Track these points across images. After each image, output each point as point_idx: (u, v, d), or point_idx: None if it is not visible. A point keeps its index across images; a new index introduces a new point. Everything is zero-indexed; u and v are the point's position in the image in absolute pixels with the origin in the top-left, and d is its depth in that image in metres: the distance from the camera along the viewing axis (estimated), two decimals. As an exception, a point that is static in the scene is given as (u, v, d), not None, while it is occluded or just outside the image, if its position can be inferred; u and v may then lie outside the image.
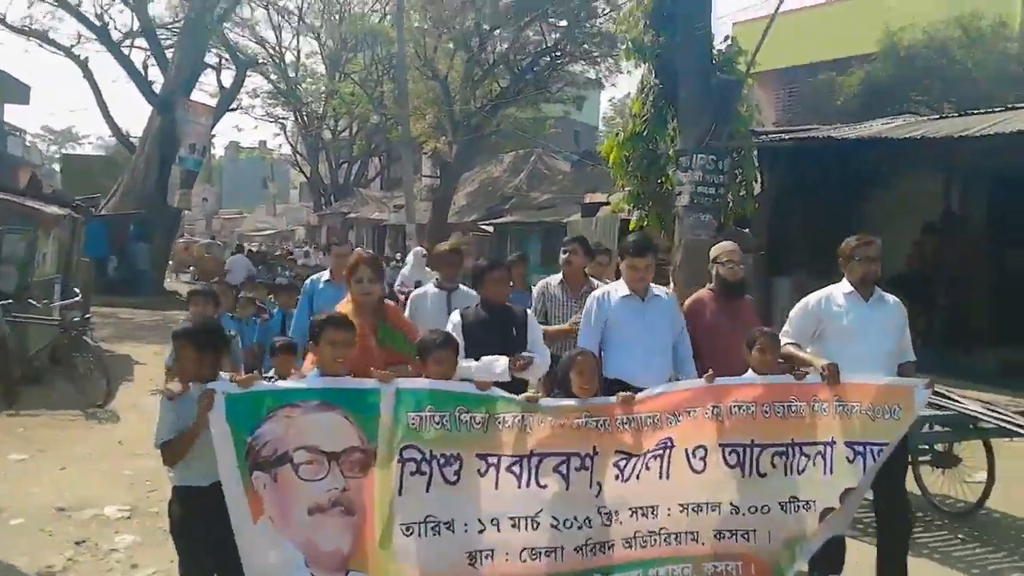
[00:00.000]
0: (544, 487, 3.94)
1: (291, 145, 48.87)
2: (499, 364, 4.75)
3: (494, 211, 28.45)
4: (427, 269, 12.73)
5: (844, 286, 4.96)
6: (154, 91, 25.85)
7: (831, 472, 4.23)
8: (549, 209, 25.20)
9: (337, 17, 39.81)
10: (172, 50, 27.13)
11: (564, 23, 29.29)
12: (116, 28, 27.70)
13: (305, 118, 43.51)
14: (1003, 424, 5.88)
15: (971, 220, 12.55)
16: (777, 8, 11.36)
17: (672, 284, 11.48)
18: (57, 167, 57.62)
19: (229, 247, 30.84)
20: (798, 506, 4.22)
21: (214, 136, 32.34)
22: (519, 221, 24.89)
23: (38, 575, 5.23)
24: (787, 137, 12.98)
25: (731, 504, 4.15)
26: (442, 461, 3.86)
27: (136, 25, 27.39)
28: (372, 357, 4.44)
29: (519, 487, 3.92)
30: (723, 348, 5.13)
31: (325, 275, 7.37)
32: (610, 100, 58.46)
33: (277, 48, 41.30)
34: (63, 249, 12.75)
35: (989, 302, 12.05)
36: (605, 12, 28.94)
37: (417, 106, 29.75)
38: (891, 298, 4.99)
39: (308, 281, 7.46)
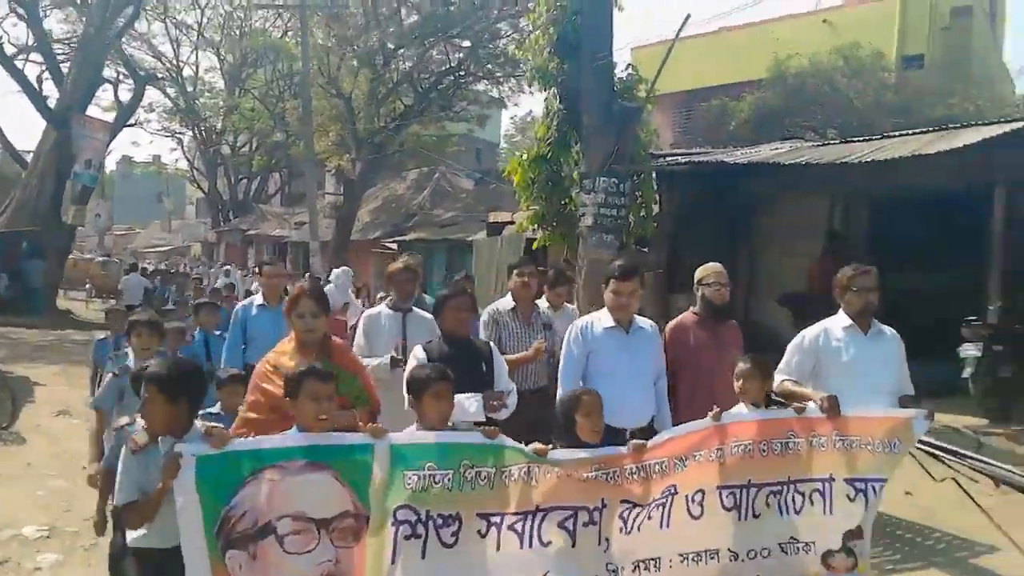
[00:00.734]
0: (547, 544, 3.58)
1: (188, 160, 47.91)
2: (473, 403, 4.45)
3: (398, 228, 28.62)
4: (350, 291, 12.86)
5: (842, 319, 4.78)
6: (48, 106, 25.16)
7: (830, 511, 4.02)
8: (453, 227, 25.51)
9: (237, 32, 39.37)
10: (68, 64, 26.47)
11: (467, 44, 29.71)
12: (10, 42, 27.00)
13: (203, 133, 42.80)
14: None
15: (853, 241, 13.39)
16: (676, 37, 11.91)
17: (576, 302, 11.93)
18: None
19: (123, 264, 30.10)
20: (798, 548, 4.00)
21: (110, 152, 31.59)
22: (423, 239, 25.12)
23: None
24: (683, 161, 13.60)
25: (729, 551, 3.90)
26: (439, 522, 3.43)
27: (31, 39, 26.66)
28: None
29: (521, 547, 3.55)
30: (708, 375, 4.95)
31: (258, 299, 7.03)
32: (511, 118, 59.22)
33: (175, 62, 40.59)
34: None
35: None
36: (508, 34, 29.54)
37: (320, 123, 29.72)
38: (888, 330, 4.81)
39: (239, 307, 7.09)
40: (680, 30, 12.25)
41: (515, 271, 6.14)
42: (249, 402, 4.28)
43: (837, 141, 13.11)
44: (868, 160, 10.50)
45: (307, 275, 17.60)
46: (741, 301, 14.22)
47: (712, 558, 3.87)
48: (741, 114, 19.94)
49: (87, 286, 29.91)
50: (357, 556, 3.34)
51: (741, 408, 4.26)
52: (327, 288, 12.93)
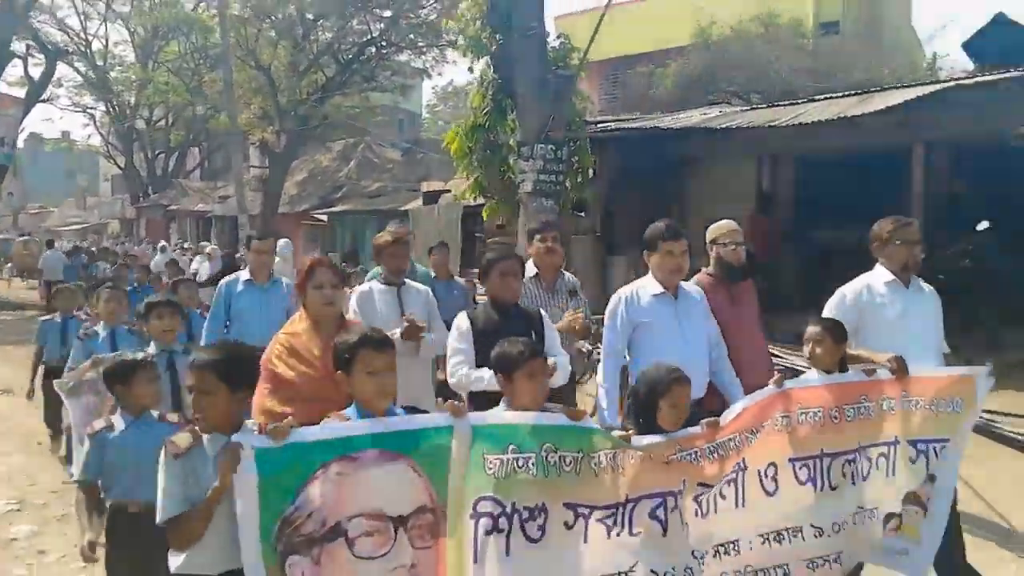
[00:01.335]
0: (637, 534, 3.28)
1: (102, 136, 46.41)
2: None
3: (326, 200, 28.40)
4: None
5: (883, 274, 4.56)
6: (-45, 81, 24.24)
7: (893, 474, 3.88)
8: (382, 197, 25.49)
9: (147, 4, 38.21)
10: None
11: (388, 14, 29.46)
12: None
13: (116, 108, 41.54)
14: (790, 367, 6.65)
15: (779, 199, 13.95)
16: (607, 6, 12.22)
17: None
18: None
19: (40, 243, 29.32)
20: (864, 516, 3.83)
21: (22, 129, 30.54)
22: (353, 210, 25.05)
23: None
24: (617, 127, 13.92)
25: (812, 526, 3.69)
26: (524, 515, 3.07)
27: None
28: (338, 391, 3.38)
29: (609, 538, 3.23)
30: (730, 339, 4.72)
31: (244, 275, 6.71)
32: (433, 88, 58.97)
33: (83, 36, 39.22)
34: None
35: (796, 273, 13.46)
36: (430, 3, 29.38)
37: (241, 95, 29.20)
38: (926, 285, 4.63)
39: (223, 283, 6.71)
40: (610, 1, 12.56)
41: (536, 235, 5.76)
42: (264, 391, 3.79)
43: (764, 106, 13.60)
44: (796, 123, 10.96)
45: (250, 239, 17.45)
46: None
47: (796, 536, 3.65)
48: (667, 80, 20.37)
49: (8, 265, 29.11)
50: (436, 557, 2.96)
51: (812, 374, 4.05)
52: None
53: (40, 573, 5.32)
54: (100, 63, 39.93)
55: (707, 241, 5.04)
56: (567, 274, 5.89)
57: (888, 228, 4.54)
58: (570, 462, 3.17)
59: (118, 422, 3.87)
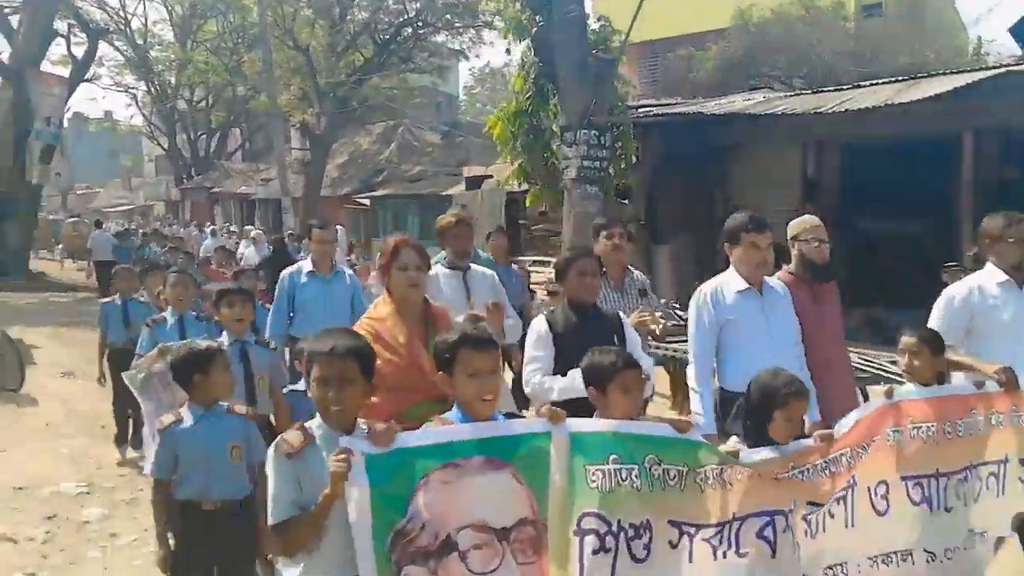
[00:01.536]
0: (744, 555, 3.09)
1: (144, 116, 46.99)
2: None
3: (367, 184, 28.64)
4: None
5: (995, 274, 4.27)
6: (2, 61, 24.65)
7: (1003, 493, 3.64)
8: (422, 181, 25.64)
9: (185, -18, 38.61)
10: (18, 18, 25.88)
11: (424, -8, 29.54)
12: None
13: (158, 88, 42.02)
14: (877, 372, 6.60)
15: (824, 186, 13.87)
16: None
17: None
18: None
19: (89, 224, 29.87)
20: (973, 539, 3.60)
21: (68, 109, 30.99)
22: (395, 194, 25.22)
23: (21, 547, 5.55)
24: (660, 112, 13.92)
25: (925, 551, 3.47)
26: (631, 533, 2.87)
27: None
28: (425, 380, 3.31)
29: (715, 559, 3.04)
30: (810, 340, 4.45)
31: (306, 265, 6.58)
32: (470, 70, 58.86)
33: (122, 14, 39.65)
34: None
35: (844, 264, 13.38)
36: (465, -18, 29.43)
37: (281, 76, 29.47)
38: None
39: (286, 274, 6.58)
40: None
41: (602, 231, 5.52)
42: None
43: (809, 91, 13.52)
44: (843, 109, 10.92)
45: (289, 232, 17.63)
46: (721, 253, 14.71)
47: (905, 560, 3.42)
48: (707, 63, 20.28)
49: (59, 247, 29.70)
50: (540, 575, 2.78)
51: (909, 387, 3.79)
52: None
53: (113, 556, 5.51)
54: (140, 42, 40.36)
55: (788, 238, 4.77)
56: (635, 272, 5.67)
57: (999, 225, 4.27)
58: (675, 476, 2.98)
59: (187, 415, 3.78)
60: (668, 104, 15.26)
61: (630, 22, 12.44)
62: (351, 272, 6.78)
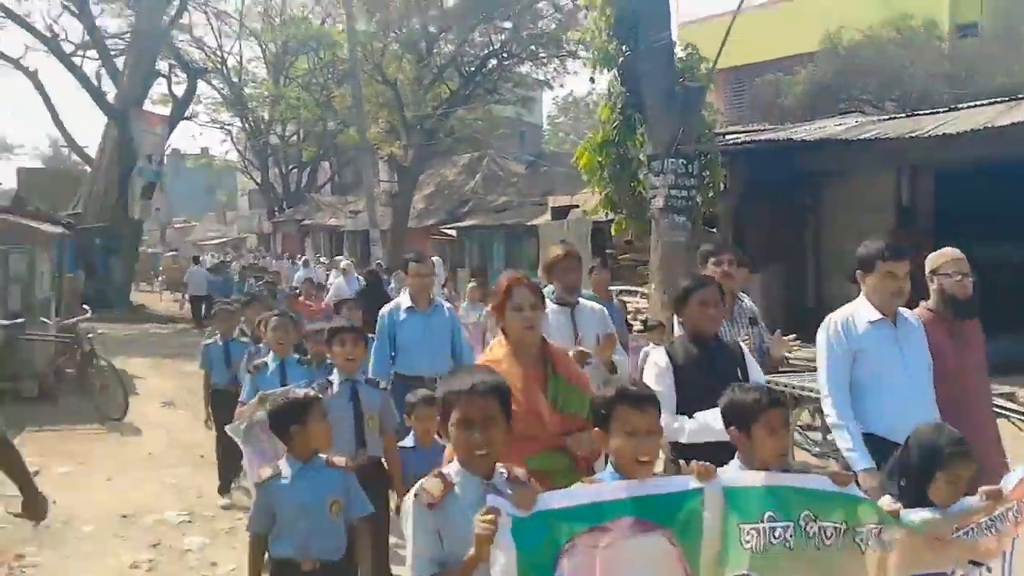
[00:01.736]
0: None
1: (239, 152, 48.61)
2: (720, 419, 3.44)
3: (453, 214, 28.98)
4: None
5: None
6: (108, 101, 25.82)
7: None
8: (508, 211, 25.82)
9: (277, 20, 39.85)
10: (123, 60, 27.12)
11: (509, 25, 29.86)
12: (67, 39, 27.73)
13: (251, 124, 43.41)
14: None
15: (919, 212, 13.52)
16: (735, 13, 12.13)
17: (651, 284, 12.27)
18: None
19: (187, 258, 31.00)
20: None
21: (168, 147, 32.33)
22: (481, 224, 25.45)
23: (126, 574, 5.73)
24: (749, 139, 13.77)
25: None
26: None
27: (86, 36, 27.35)
28: (543, 428, 3.21)
29: None
30: (952, 382, 4.12)
31: (404, 301, 6.37)
32: (554, 99, 59.17)
33: (219, 53, 41.16)
34: (54, 266, 13.06)
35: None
36: (549, 14, 29.71)
37: (369, 110, 30.13)
38: None
39: (385, 311, 6.39)
40: (739, 7, 12.46)
41: (711, 258, 5.32)
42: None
43: (903, 115, 13.23)
44: (940, 133, 10.65)
45: (377, 263, 17.95)
46: (811, 279, 14.42)
47: None
48: (795, 88, 19.97)
49: (159, 279, 30.87)
50: None
51: None
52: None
53: (213, 584, 5.68)
54: (235, 80, 41.79)
55: (927, 272, 4.50)
56: (745, 299, 5.47)
57: None
58: (831, 535, 2.73)
59: (285, 468, 3.60)
60: (756, 130, 15.10)
61: (717, 49, 12.37)
62: (449, 305, 6.70)
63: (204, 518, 6.83)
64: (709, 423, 3.37)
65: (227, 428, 5.12)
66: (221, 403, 7.00)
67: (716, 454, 3.05)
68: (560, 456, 3.20)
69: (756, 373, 4.08)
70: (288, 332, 5.92)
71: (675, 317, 4.38)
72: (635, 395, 2.74)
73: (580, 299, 5.12)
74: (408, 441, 4.76)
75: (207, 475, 7.87)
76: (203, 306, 21.10)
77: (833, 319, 4.16)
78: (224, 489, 7.23)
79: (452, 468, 2.67)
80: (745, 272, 5.97)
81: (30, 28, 26.14)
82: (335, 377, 4.72)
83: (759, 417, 2.96)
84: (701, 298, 4.00)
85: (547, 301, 4.79)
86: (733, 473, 2.84)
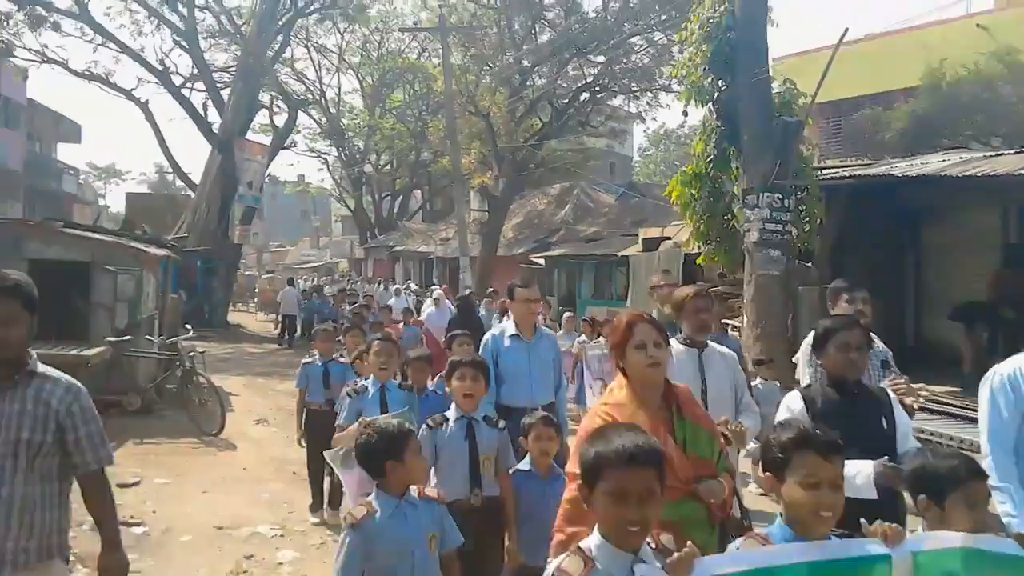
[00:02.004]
0: None
1: (334, 180, 49.97)
2: (865, 472, 3.28)
3: (542, 244, 29.09)
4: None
5: None
6: (213, 131, 26.83)
7: None
8: (597, 241, 25.80)
9: (375, 55, 40.90)
10: (228, 91, 28.18)
11: (602, 59, 30.00)
12: (177, 72, 29.00)
13: (347, 153, 44.54)
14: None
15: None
16: (835, 49, 11.96)
17: (744, 317, 12.10)
18: (101, 201, 59.33)
19: (282, 280, 31.91)
20: None
21: (268, 175, 33.40)
22: (570, 254, 25.48)
23: (221, 585, 5.90)
24: (847, 174, 13.51)
25: None
26: None
27: (194, 69, 28.56)
28: (674, 476, 2.87)
29: None
30: None
31: (509, 328, 6.14)
32: (644, 131, 59.15)
33: (318, 85, 42.43)
34: (158, 287, 13.56)
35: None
36: (643, 48, 29.75)
37: (461, 141, 30.56)
38: None
39: (489, 336, 6.24)
40: (839, 43, 12.29)
41: (844, 295, 5.10)
42: (578, 473, 2.81)
43: (1012, 151, 12.80)
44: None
45: (467, 290, 18.11)
46: (911, 318, 14.01)
47: None
48: (897, 123, 19.51)
49: (255, 300, 31.90)
50: None
51: None
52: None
53: (304, 598, 5.79)
54: (333, 111, 43.00)
55: None
56: (877, 341, 5.03)
57: None
58: None
59: (378, 506, 3.36)
60: (856, 165, 14.80)
61: (816, 84, 12.21)
62: (553, 334, 6.47)
63: (296, 533, 6.97)
64: (850, 478, 2.98)
65: (325, 454, 4.96)
66: (315, 423, 7.17)
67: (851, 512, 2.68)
68: (693, 505, 3.00)
69: (904, 424, 3.73)
70: (392, 357, 5.71)
71: (804, 357, 4.11)
72: (822, 441, 2.47)
73: (710, 342, 4.78)
74: (524, 464, 4.46)
75: (299, 491, 8.04)
76: (292, 326, 21.69)
77: (999, 372, 3.68)
78: (316, 507, 7.34)
79: (592, 542, 2.33)
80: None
81: (144, 62, 27.40)
82: (451, 413, 4.54)
83: (958, 488, 2.68)
84: (844, 340, 3.74)
85: (673, 341, 4.48)
86: (921, 536, 2.59)
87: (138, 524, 6.87)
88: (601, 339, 11.21)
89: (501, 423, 4.66)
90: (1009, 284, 12.10)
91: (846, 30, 12.54)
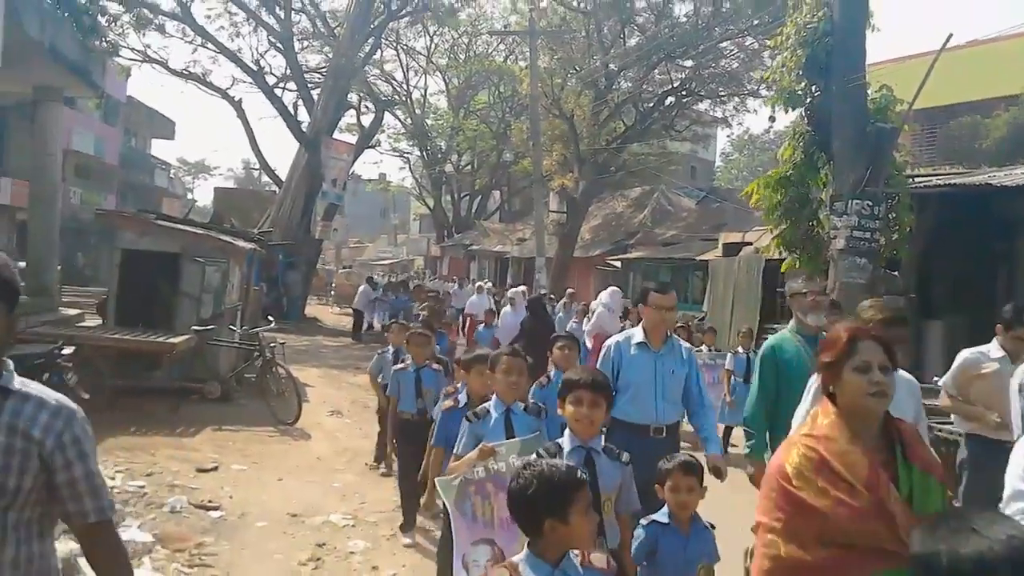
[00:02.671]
0: None
1: (415, 179, 50.50)
2: None
3: (619, 246, 28.90)
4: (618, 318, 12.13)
5: None
6: (302, 130, 27.31)
7: None
8: (675, 245, 25.52)
9: (462, 57, 41.15)
10: (319, 91, 28.66)
11: (690, 63, 29.66)
12: (271, 72, 29.66)
13: (429, 153, 44.94)
14: None
15: None
16: (936, 56, 11.59)
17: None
18: (190, 196, 61.07)
19: (359, 275, 32.37)
20: None
21: (352, 172, 33.88)
22: (647, 257, 25.25)
23: (293, 569, 5.94)
24: (941, 182, 13.08)
25: None
26: None
27: (287, 70, 29.15)
28: (893, 533, 2.38)
29: None
30: None
31: (636, 335, 5.41)
32: (728, 136, 58.35)
33: (405, 87, 42.89)
34: (243, 279, 13.83)
35: None
36: (732, 53, 29.30)
37: (544, 143, 30.54)
38: None
39: (612, 341, 5.54)
40: (942, 49, 11.91)
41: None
42: (777, 523, 2.57)
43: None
44: None
45: (543, 292, 18.08)
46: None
47: None
48: (996, 132, 18.85)
49: (332, 293, 32.48)
50: None
51: None
52: (598, 311, 12.32)
53: (373, 587, 5.81)
54: (417, 111, 43.42)
55: None
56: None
57: None
58: None
59: (529, 573, 2.58)
60: (950, 173, 14.33)
61: (915, 91, 11.85)
62: (687, 345, 5.63)
63: (367, 523, 7.00)
64: None
65: (437, 481, 4.15)
66: (408, 433, 6.83)
67: None
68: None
69: None
70: (522, 375, 4.59)
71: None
72: None
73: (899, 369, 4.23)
74: (661, 516, 3.91)
75: (371, 483, 8.14)
76: (360, 321, 21.95)
77: None
78: (409, 525, 6.68)
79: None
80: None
81: (240, 63, 28.04)
82: (565, 441, 3.77)
83: None
84: None
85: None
86: None
87: (215, 508, 6.98)
88: (704, 348, 10.87)
89: (625, 456, 3.86)
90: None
91: (950, 35, 12.19)
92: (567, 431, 3.76)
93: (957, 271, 13.12)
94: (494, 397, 4.60)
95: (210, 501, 7.11)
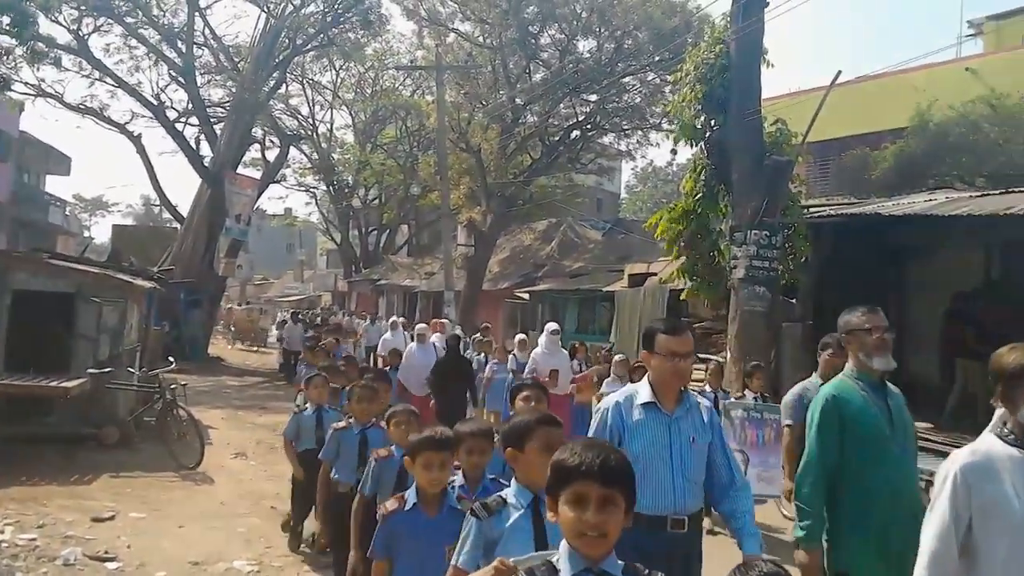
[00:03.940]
0: None
1: (321, 213, 50.00)
2: None
3: (528, 278, 29.08)
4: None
5: None
6: (204, 165, 26.78)
7: None
8: (582, 277, 25.82)
9: (369, 91, 41.08)
10: (221, 126, 28.19)
11: (594, 98, 30.24)
12: (172, 107, 29.03)
13: (336, 187, 44.59)
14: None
15: (1011, 290, 13.05)
16: (827, 91, 12.09)
17: (728, 353, 12.05)
18: (87, 234, 59.13)
19: (268, 313, 31.79)
20: None
21: (257, 208, 33.35)
22: (555, 289, 25.46)
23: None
24: (835, 212, 13.56)
25: None
26: None
27: (189, 104, 28.57)
28: None
29: None
30: None
31: (642, 393, 3.98)
32: (632, 169, 59.51)
33: (311, 121, 42.54)
34: (142, 319, 13.40)
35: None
36: (635, 88, 30.00)
37: (451, 176, 30.59)
38: None
39: (607, 406, 4.04)
40: (832, 85, 12.42)
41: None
42: None
43: (997, 192, 12.88)
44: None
45: (456, 327, 17.99)
46: (894, 355, 13.97)
47: None
48: (884, 163, 19.67)
49: (231, 330, 31.83)
50: None
51: None
52: (535, 352, 11.74)
53: (280, 636, 5.63)
54: (324, 146, 43.09)
55: None
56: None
57: None
58: None
59: None
60: (843, 204, 14.88)
61: (807, 125, 12.31)
62: (706, 403, 4.12)
63: (272, 568, 6.83)
64: None
65: None
66: (345, 512, 5.36)
67: None
68: None
69: None
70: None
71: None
72: None
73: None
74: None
75: (276, 526, 7.90)
76: (293, 361, 21.39)
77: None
78: (295, 545, 7.24)
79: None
80: None
81: (140, 97, 27.35)
82: (563, 562, 2.15)
83: None
84: None
85: (992, 438, 3.00)
86: None
87: (112, 559, 6.69)
88: (747, 395, 8.83)
89: None
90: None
91: (839, 72, 12.72)
92: (562, 544, 2.13)
93: (851, 298, 13.54)
94: (513, 482, 3.10)
95: (106, 552, 6.81)
